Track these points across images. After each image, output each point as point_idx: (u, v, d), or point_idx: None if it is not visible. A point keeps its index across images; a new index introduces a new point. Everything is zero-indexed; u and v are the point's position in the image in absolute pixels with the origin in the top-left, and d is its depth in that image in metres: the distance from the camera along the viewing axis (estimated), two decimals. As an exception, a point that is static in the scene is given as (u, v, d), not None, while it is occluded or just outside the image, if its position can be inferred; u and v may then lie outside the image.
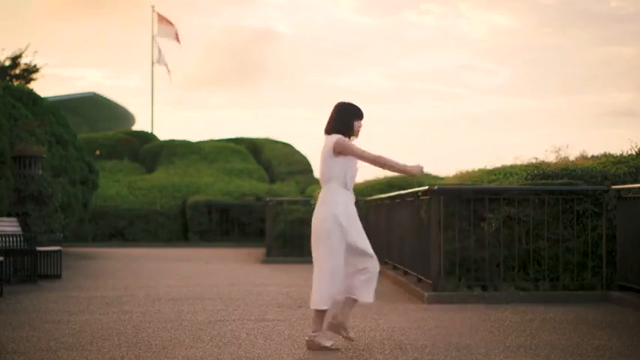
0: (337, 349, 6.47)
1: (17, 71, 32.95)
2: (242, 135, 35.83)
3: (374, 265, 6.58)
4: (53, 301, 10.05)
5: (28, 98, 19.01)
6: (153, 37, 41.56)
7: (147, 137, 35.62)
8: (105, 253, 21.30)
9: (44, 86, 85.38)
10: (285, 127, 63.93)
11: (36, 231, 14.12)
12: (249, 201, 27.22)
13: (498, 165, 13.07)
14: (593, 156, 12.54)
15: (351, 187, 6.72)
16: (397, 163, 6.75)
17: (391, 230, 13.73)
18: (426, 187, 10.45)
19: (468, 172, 13.21)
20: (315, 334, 6.53)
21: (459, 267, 10.08)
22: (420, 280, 10.81)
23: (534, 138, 57.90)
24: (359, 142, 6.76)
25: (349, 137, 6.70)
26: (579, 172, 10.71)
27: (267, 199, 20.70)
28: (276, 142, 35.24)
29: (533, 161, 12.66)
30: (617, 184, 10.12)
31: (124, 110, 44.65)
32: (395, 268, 13.24)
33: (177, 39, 40.96)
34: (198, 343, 6.83)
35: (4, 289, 10.85)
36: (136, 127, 43.52)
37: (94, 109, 42.06)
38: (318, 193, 6.86)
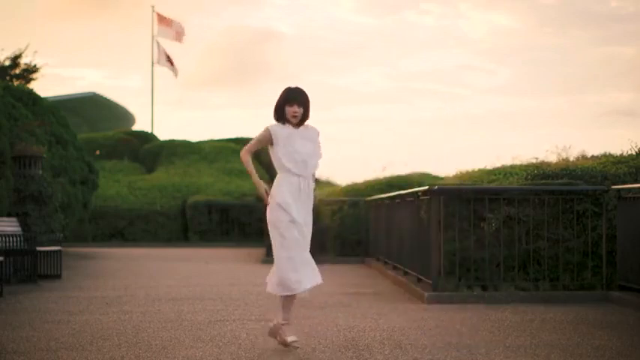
0: (296, 348, 6.40)
1: (17, 71, 32.97)
2: (242, 135, 35.85)
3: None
4: (53, 301, 10.05)
5: (28, 98, 19.01)
6: (153, 37, 41.58)
7: (147, 137, 35.63)
8: (105, 253, 21.30)
9: (44, 86, 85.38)
10: (285, 127, 63.74)
11: (36, 231, 14.12)
12: (249, 201, 27.23)
13: (498, 165, 13.08)
14: (593, 156, 12.54)
15: (299, 171, 6.51)
16: (252, 173, 6.64)
17: (391, 230, 13.73)
18: (426, 187, 10.46)
19: (468, 172, 13.21)
20: (283, 322, 6.49)
21: (459, 267, 10.08)
22: (420, 280, 10.81)
23: (534, 138, 57.90)
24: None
25: (283, 123, 6.54)
26: (579, 172, 10.71)
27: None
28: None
29: (533, 161, 12.67)
30: (617, 184, 10.12)
31: (124, 110, 44.67)
32: (395, 268, 13.24)
33: (179, 38, 40.93)
34: (198, 343, 6.83)
35: (4, 289, 10.85)
36: (136, 127, 43.54)
37: (94, 109, 42.07)
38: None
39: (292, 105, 6.49)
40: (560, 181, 10.53)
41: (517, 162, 12.92)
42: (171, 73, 41.60)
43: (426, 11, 63.34)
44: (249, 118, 63.20)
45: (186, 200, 27.87)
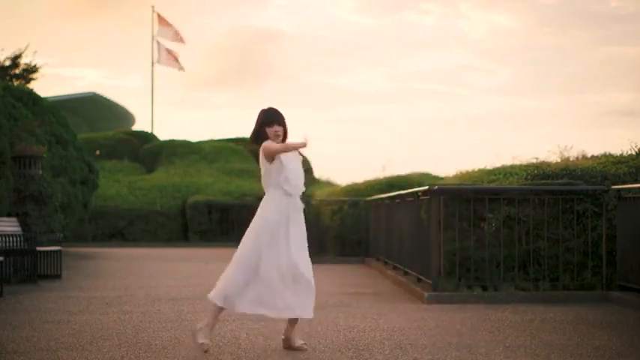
0: (205, 351, 6.29)
1: (17, 71, 32.94)
2: (242, 135, 35.87)
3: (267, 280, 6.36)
4: (53, 301, 10.05)
5: (28, 98, 19.01)
6: (153, 37, 41.57)
7: (147, 137, 35.64)
8: (105, 253, 21.30)
9: (44, 86, 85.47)
10: (285, 127, 63.77)
11: (36, 231, 14.11)
12: (249, 201, 27.22)
13: (498, 165, 13.06)
14: (593, 156, 12.54)
15: (292, 192, 6.48)
16: (289, 145, 6.53)
17: (391, 230, 13.73)
18: (426, 187, 10.46)
19: (468, 172, 13.20)
20: (200, 325, 6.43)
21: (459, 267, 10.08)
22: (420, 280, 10.81)
23: (534, 138, 57.92)
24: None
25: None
26: (579, 172, 10.71)
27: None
28: (276, 142, 35.29)
29: (534, 161, 12.66)
30: (617, 184, 10.12)
31: (124, 110, 44.67)
32: (395, 268, 13.24)
33: (179, 39, 40.90)
34: (198, 343, 6.82)
35: (4, 289, 10.85)
36: (136, 127, 43.54)
37: (94, 109, 42.07)
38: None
39: (272, 125, 6.51)
40: (560, 181, 10.53)
41: (517, 162, 12.91)
42: (174, 71, 41.58)
43: (426, 11, 63.39)
44: (250, 118, 62.94)
45: (186, 200, 27.88)
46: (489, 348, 6.56)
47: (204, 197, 27.67)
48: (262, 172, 6.58)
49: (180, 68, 41.27)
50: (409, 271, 11.77)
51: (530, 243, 10.11)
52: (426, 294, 9.75)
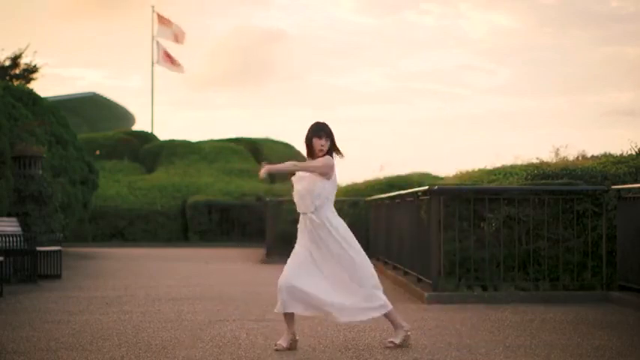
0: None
1: (17, 71, 32.93)
2: (242, 135, 35.87)
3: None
4: (53, 301, 10.05)
5: (28, 98, 19.01)
6: (153, 37, 41.56)
7: (147, 137, 35.63)
8: (105, 253, 21.31)
9: (44, 86, 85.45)
10: (285, 127, 63.95)
11: (36, 231, 14.11)
12: (249, 201, 27.24)
13: (498, 165, 13.07)
14: (593, 156, 12.54)
15: (303, 209, 6.73)
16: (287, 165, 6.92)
17: (391, 230, 13.73)
18: (426, 187, 10.45)
19: (468, 172, 13.21)
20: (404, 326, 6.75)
21: (459, 267, 10.08)
22: (420, 280, 10.81)
23: (534, 138, 57.85)
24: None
25: (312, 157, 6.71)
26: (579, 172, 10.71)
27: (267, 199, 20.71)
28: (276, 142, 35.33)
29: (534, 161, 12.66)
30: (617, 184, 10.12)
31: (124, 110, 44.64)
32: (395, 268, 13.24)
33: (179, 40, 40.86)
34: (198, 343, 6.83)
35: (4, 289, 10.85)
36: (136, 127, 43.52)
37: (94, 109, 42.05)
38: None
39: (320, 138, 6.69)
40: (560, 181, 10.53)
41: (517, 162, 12.91)
42: (173, 73, 41.54)
43: (426, 11, 63.34)
44: (250, 118, 63.20)
45: (186, 200, 27.87)
46: (489, 348, 6.56)
47: (205, 197, 27.67)
48: (315, 186, 6.63)
49: (180, 71, 41.26)
50: (409, 271, 11.77)
51: (530, 243, 10.11)
52: (426, 294, 9.75)
